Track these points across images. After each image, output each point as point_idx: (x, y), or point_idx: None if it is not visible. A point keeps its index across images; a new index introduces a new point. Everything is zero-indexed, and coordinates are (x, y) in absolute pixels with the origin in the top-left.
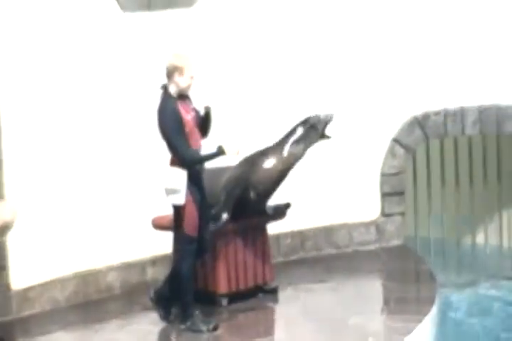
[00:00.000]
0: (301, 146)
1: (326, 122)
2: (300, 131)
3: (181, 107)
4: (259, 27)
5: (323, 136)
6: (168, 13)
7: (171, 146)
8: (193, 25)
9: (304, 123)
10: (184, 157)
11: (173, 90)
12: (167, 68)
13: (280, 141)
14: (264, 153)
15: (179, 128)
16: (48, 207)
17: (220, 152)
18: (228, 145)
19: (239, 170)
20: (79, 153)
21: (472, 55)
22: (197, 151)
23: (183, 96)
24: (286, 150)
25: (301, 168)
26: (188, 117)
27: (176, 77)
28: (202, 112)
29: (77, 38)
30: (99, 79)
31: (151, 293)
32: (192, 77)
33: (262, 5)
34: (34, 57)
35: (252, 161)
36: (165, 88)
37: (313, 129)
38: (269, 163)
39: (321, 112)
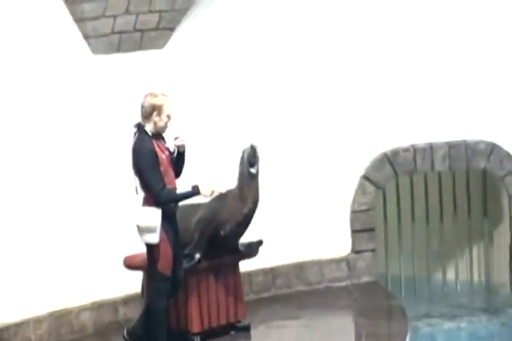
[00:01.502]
0: (247, 183)
1: (247, 156)
2: (240, 168)
3: (156, 146)
4: (227, 68)
5: (248, 171)
6: (138, 55)
7: (146, 185)
8: (163, 67)
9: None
10: (159, 196)
11: (149, 129)
12: (144, 107)
13: (239, 178)
14: (232, 191)
15: (155, 166)
16: (19, 247)
17: (195, 191)
18: (203, 185)
19: (211, 208)
20: (51, 190)
21: (440, 91)
22: (172, 190)
23: (157, 135)
24: (244, 187)
25: (273, 205)
26: (163, 156)
27: (154, 116)
28: (175, 152)
29: (49, 80)
30: (71, 120)
31: (125, 332)
32: (169, 116)
33: (230, 48)
34: (4, 98)
35: (224, 199)
36: (140, 127)
37: (242, 165)
38: (236, 201)
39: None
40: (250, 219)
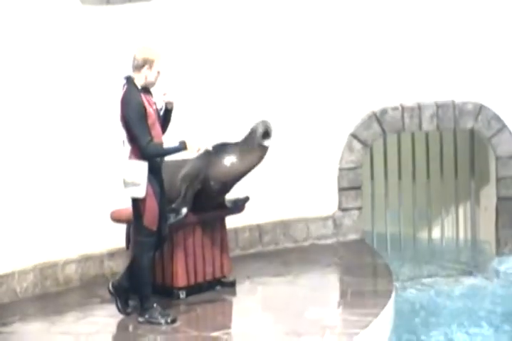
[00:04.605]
0: (252, 154)
1: (260, 132)
2: (247, 138)
3: (145, 99)
4: (219, 21)
5: (259, 145)
6: (128, 7)
7: (133, 137)
8: (152, 20)
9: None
10: (146, 149)
11: (139, 82)
12: (137, 60)
13: (243, 141)
14: (226, 150)
15: (143, 119)
16: (5, 200)
17: (182, 147)
18: (191, 141)
19: (199, 163)
20: (36, 145)
21: (429, 51)
22: (159, 144)
23: (145, 89)
24: (247, 152)
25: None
26: (151, 110)
27: (145, 70)
28: (163, 107)
29: (37, 31)
30: (58, 71)
31: (110, 285)
32: (159, 72)
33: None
34: None
35: (214, 155)
36: (129, 79)
37: (251, 139)
38: (230, 161)
39: (263, 120)
40: (239, 180)
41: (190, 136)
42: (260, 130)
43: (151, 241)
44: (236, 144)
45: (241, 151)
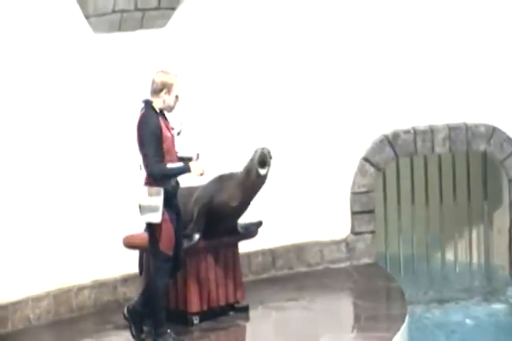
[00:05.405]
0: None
1: (259, 156)
2: (249, 163)
3: (162, 123)
4: (228, 48)
5: (256, 174)
6: (140, 34)
7: (144, 156)
8: (164, 47)
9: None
10: (151, 168)
11: (157, 106)
12: (155, 84)
13: (245, 168)
14: (235, 176)
15: (157, 140)
16: (19, 226)
17: (185, 168)
18: (195, 164)
19: (210, 189)
20: (50, 169)
21: (440, 74)
22: (163, 164)
23: (162, 113)
24: (250, 175)
25: (272, 186)
26: (168, 134)
27: (163, 94)
28: (181, 132)
29: (50, 59)
30: (72, 99)
31: (125, 310)
32: (177, 97)
33: (231, 27)
34: (5, 77)
35: (224, 180)
36: (147, 103)
37: (252, 162)
38: (237, 184)
39: (261, 148)
40: (246, 207)
41: (195, 159)
42: (256, 159)
43: (167, 267)
44: (241, 173)
45: (243, 179)
